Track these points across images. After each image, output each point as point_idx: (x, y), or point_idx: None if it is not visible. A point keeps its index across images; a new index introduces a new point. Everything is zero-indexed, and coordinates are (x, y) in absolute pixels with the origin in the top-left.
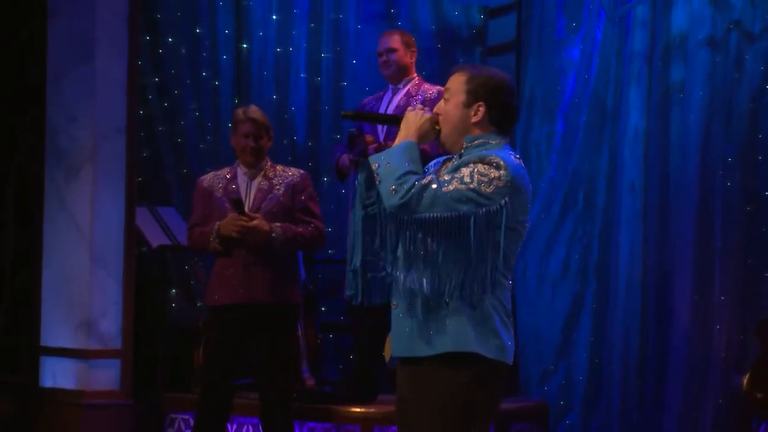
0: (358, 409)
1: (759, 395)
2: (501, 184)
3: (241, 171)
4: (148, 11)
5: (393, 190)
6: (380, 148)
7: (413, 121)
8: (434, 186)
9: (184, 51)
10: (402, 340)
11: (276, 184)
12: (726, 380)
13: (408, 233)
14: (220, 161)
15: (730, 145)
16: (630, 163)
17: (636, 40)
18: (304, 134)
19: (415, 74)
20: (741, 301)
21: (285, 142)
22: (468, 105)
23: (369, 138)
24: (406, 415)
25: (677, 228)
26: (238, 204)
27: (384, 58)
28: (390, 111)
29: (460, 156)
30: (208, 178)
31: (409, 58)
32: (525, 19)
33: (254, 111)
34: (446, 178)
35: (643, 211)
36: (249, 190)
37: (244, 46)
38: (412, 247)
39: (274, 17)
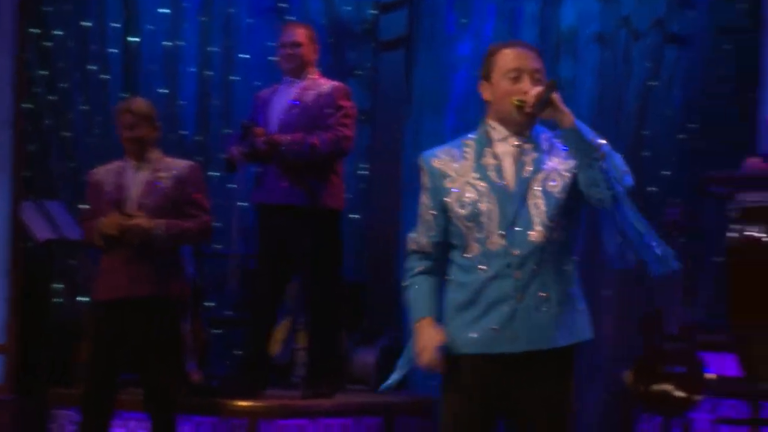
0: (244, 403)
1: (643, 389)
2: None
3: (129, 164)
4: (36, 4)
5: (626, 170)
6: (270, 142)
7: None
8: None
9: (72, 44)
10: (536, 330)
11: (163, 177)
12: (611, 375)
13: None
14: (108, 155)
15: (619, 141)
16: None
17: (526, 35)
18: (193, 128)
19: (315, 70)
20: (626, 295)
21: (173, 136)
22: None
23: (259, 130)
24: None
25: None
26: (118, 205)
27: (288, 51)
28: (284, 103)
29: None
30: (99, 172)
31: (312, 54)
32: (416, 14)
33: (134, 101)
34: None
35: None
36: (136, 183)
37: (133, 39)
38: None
39: (163, 11)
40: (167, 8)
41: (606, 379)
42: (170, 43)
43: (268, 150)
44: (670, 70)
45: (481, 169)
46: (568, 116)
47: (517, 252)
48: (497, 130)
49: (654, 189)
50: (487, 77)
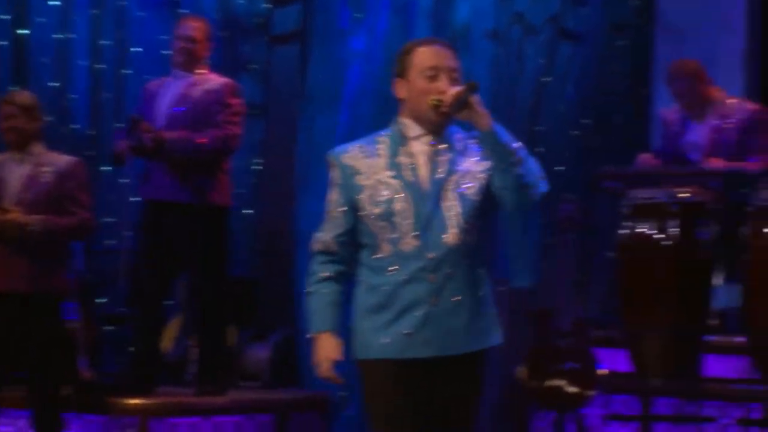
0: (135, 401)
1: (536, 385)
2: None
3: (10, 158)
4: None
5: (542, 177)
6: (157, 139)
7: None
8: None
9: None
10: (449, 336)
11: (45, 172)
12: (506, 371)
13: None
14: None
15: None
16: None
17: (420, 31)
18: (85, 122)
19: (205, 65)
20: (519, 291)
21: (65, 130)
22: None
23: (146, 126)
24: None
25: None
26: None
27: (182, 44)
28: (171, 98)
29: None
30: None
31: (205, 51)
32: (310, 9)
33: (16, 93)
34: None
35: None
36: (16, 177)
37: (23, 32)
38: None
39: (54, 3)
40: (58, 0)
41: (501, 374)
42: (61, 36)
43: (154, 146)
44: (563, 66)
45: (395, 167)
46: (485, 118)
47: (432, 255)
48: (411, 129)
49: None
50: (402, 75)
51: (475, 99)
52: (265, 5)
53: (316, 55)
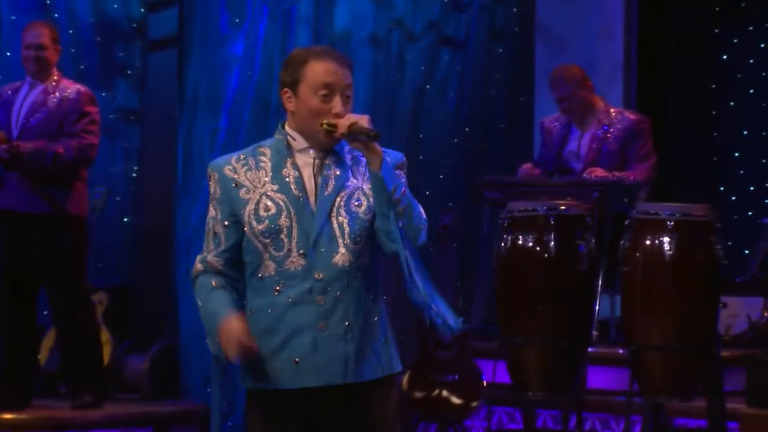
0: (9, 416)
1: (418, 395)
2: None
3: None
4: None
5: (423, 227)
6: (13, 151)
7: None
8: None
9: None
10: (340, 363)
11: None
12: None
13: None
14: None
15: (393, 144)
16: None
17: (300, 36)
18: None
19: (57, 71)
20: (403, 301)
21: None
22: None
23: (0, 136)
24: None
25: None
26: None
27: (33, 53)
28: (26, 106)
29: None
30: None
31: (55, 56)
32: (187, 13)
33: None
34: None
35: None
36: None
37: None
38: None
39: None
40: None
41: None
42: None
43: (10, 158)
44: (444, 73)
45: (280, 180)
46: (377, 160)
47: (320, 275)
48: (297, 141)
49: (430, 193)
50: (292, 87)
51: (374, 144)
52: (141, 9)
53: (195, 60)
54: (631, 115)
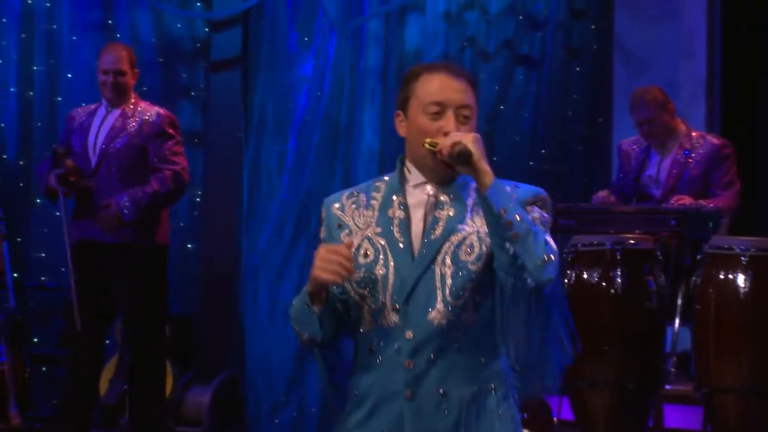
0: None
1: None
2: (550, 226)
3: None
4: None
5: (546, 259)
6: (85, 188)
7: (479, 141)
8: (554, 246)
9: None
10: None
11: None
12: None
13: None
14: None
15: None
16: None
17: (370, 56)
18: (15, 152)
19: (134, 94)
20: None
21: None
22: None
23: (70, 164)
24: None
25: None
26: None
27: (111, 79)
28: (104, 131)
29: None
30: None
31: (133, 80)
32: (254, 33)
33: None
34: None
35: None
36: None
37: None
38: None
39: None
40: None
41: None
42: None
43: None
44: (518, 92)
45: (384, 221)
46: (486, 178)
47: (410, 334)
48: (413, 174)
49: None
50: (403, 107)
51: (478, 153)
52: (205, 29)
53: (261, 81)
54: (714, 140)
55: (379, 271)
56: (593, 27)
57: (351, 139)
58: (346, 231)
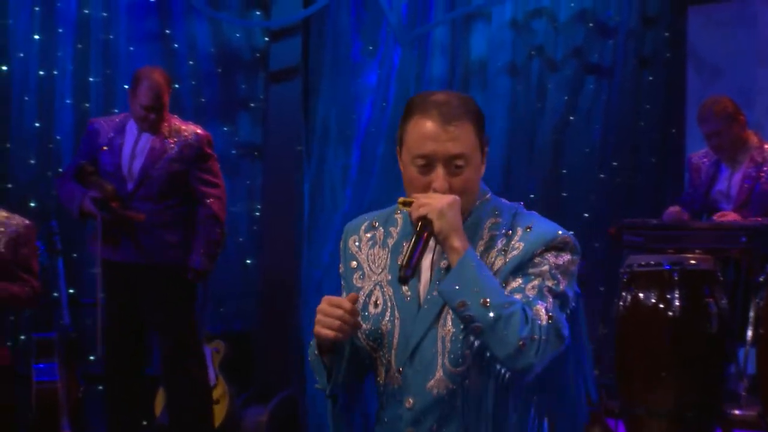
0: None
1: None
2: (574, 268)
3: None
4: None
5: (521, 345)
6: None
7: (456, 214)
8: (549, 315)
9: None
10: None
11: None
12: None
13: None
14: None
15: (532, 180)
16: None
17: (435, 65)
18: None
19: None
20: None
21: (49, 174)
22: (482, 159)
23: (110, 188)
24: None
25: None
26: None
27: (152, 116)
28: (143, 155)
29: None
30: None
31: (168, 103)
32: (316, 42)
33: None
34: (524, 292)
35: None
36: None
37: (4, 68)
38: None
39: (36, 37)
40: (40, 34)
41: None
42: (44, 72)
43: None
44: (588, 102)
45: (395, 267)
46: (451, 255)
47: (410, 402)
48: None
49: (572, 233)
50: (400, 144)
51: (445, 227)
52: (264, 38)
53: (324, 91)
54: None
55: (386, 325)
56: (666, 34)
57: None
58: (359, 274)
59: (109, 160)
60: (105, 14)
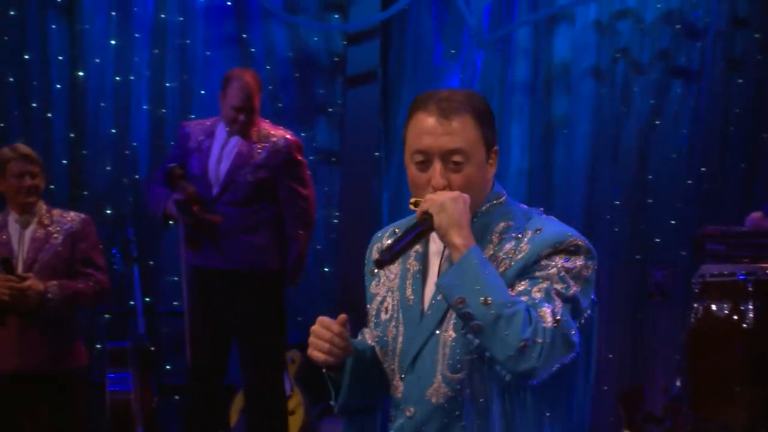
0: None
1: None
2: (590, 274)
3: (12, 219)
4: None
5: (523, 346)
6: (210, 223)
7: (459, 210)
8: (556, 319)
9: (11, 79)
10: None
11: (53, 233)
12: None
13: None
14: (53, 202)
15: (616, 186)
16: None
17: (518, 69)
18: (147, 172)
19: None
20: (629, 362)
21: (126, 180)
22: (487, 157)
23: (191, 190)
24: None
25: None
26: (6, 263)
27: (244, 118)
28: (230, 158)
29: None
30: None
31: (259, 106)
32: (396, 46)
33: (22, 147)
34: (530, 295)
35: None
36: (22, 240)
37: (80, 74)
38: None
39: (112, 42)
40: (116, 39)
41: None
42: (120, 78)
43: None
44: (675, 106)
45: (404, 273)
46: (454, 252)
47: (411, 411)
48: None
49: (660, 241)
50: (403, 144)
51: (445, 222)
52: (342, 42)
53: (404, 96)
54: None
55: (392, 332)
56: (756, 36)
57: (499, 158)
58: (377, 281)
59: (196, 163)
60: (181, 19)
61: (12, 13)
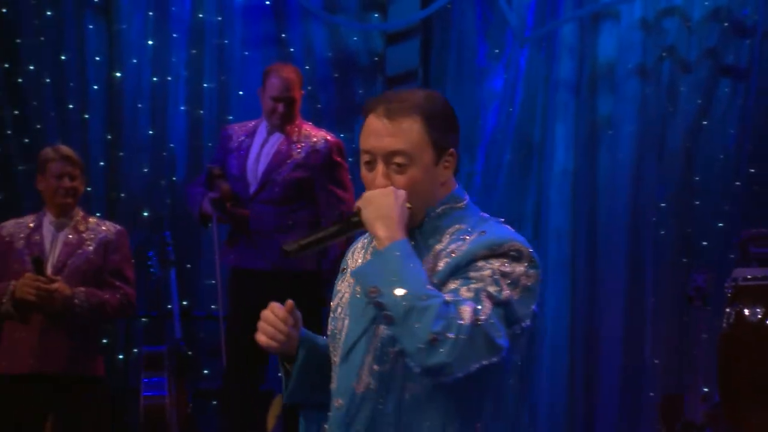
0: None
1: None
2: (531, 283)
3: (47, 220)
4: (6, 36)
5: (432, 339)
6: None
7: (387, 204)
8: (477, 318)
9: (48, 80)
10: None
11: (86, 240)
12: None
13: None
14: (92, 207)
15: (662, 187)
16: (556, 207)
17: (562, 67)
18: (185, 173)
19: (299, 115)
20: (675, 366)
21: (163, 182)
22: (438, 160)
23: (225, 188)
24: None
25: (606, 284)
26: (38, 263)
27: (282, 109)
28: (268, 157)
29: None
30: (8, 226)
31: (300, 103)
32: (438, 45)
33: (65, 148)
34: (457, 293)
35: (571, 261)
36: (55, 243)
37: (117, 74)
38: None
39: (149, 42)
40: (153, 40)
41: None
42: (157, 78)
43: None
44: (723, 106)
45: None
46: (378, 244)
47: (339, 402)
48: None
49: (707, 244)
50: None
51: (371, 215)
52: (382, 42)
53: (448, 95)
54: None
55: (339, 325)
56: None
57: (544, 159)
58: (341, 278)
59: (235, 162)
60: (219, 18)
61: (49, 13)
